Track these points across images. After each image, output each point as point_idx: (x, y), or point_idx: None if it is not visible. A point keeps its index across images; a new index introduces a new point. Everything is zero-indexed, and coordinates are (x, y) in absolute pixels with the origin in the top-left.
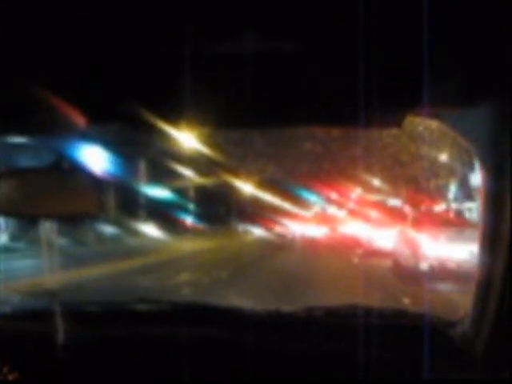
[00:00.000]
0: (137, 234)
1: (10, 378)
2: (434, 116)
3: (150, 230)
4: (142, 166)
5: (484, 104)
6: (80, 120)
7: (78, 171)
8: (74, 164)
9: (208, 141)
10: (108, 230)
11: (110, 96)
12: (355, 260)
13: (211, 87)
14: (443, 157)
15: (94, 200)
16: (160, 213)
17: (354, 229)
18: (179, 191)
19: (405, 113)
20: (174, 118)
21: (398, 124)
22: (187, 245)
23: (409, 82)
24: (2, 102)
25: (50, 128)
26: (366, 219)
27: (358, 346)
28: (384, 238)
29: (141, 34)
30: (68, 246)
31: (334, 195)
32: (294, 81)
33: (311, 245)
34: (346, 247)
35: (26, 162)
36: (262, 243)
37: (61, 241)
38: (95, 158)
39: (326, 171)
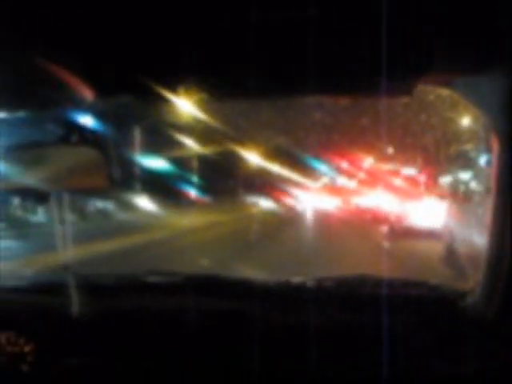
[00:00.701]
0: (133, 208)
1: (26, 349)
2: (446, 84)
3: (147, 203)
4: (138, 134)
5: (497, 72)
6: (87, 93)
7: (87, 144)
8: (83, 137)
9: (213, 110)
10: (100, 203)
11: (116, 68)
12: (385, 243)
13: (217, 57)
14: (465, 120)
15: (104, 174)
16: (160, 185)
17: (373, 200)
18: (180, 162)
19: (415, 81)
20: (180, 89)
21: (409, 92)
22: (187, 220)
23: (419, 49)
24: (9, 77)
25: (58, 102)
26: (391, 189)
27: (368, 316)
28: (421, 212)
29: (144, 5)
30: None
31: (344, 165)
32: (301, 49)
33: (324, 219)
34: (365, 223)
35: (33, 135)
36: (270, 217)
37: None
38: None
39: (336, 141)
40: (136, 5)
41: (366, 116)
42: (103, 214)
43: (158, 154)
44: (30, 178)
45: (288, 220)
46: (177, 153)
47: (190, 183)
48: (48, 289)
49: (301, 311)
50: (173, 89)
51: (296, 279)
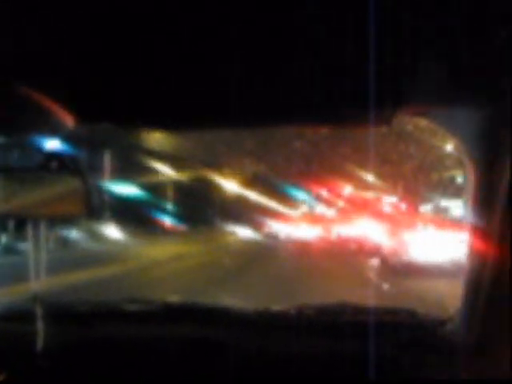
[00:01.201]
0: (99, 237)
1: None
2: (423, 114)
3: (115, 232)
4: (107, 160)
5: (472, 104)
6: (67, 119)
7: (66, 171)
8: (62, 164)
9: (194, 138)
10: (68, 232)
11: (97, 95)
12: (381, 282)
13: (196, 86)
14: (448, 147)
15: (82, 201)
16: (131, 213)
17: (358, 229)
18: (154, 189)
19: (393, 111)
20: (158, 118)
21: (388, 122)
22: (158, 250)
23: (397, 81)
24: None
25: (38, 127)
26: (379, 216)
27: (348, 344)
28: (425, 243)
29: (124, 34)
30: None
31: (324, 193)
32: (281, 81)
33: (305, 250)
34: (351, 255)
35: (13, 161)
36: (248, 247)
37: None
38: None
39: (316, 170)
40: (116, 33)
41: (345, 145)
42: (66, 243)
43: (130, 181)
44: (7, 204)
45: (266, 250)
46: (150, 179)
47: (164, 211)
48: (18, 317)
49: (280, 339)
50: (152, 117)
51: (275, 307)
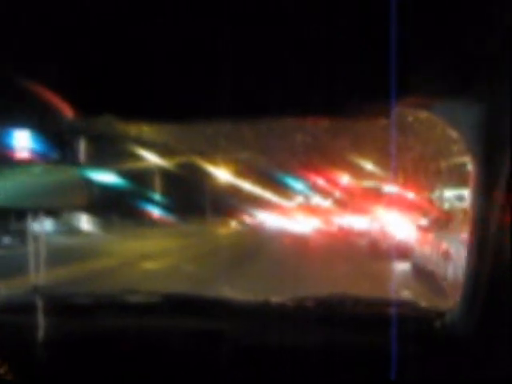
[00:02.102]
0: (75, 230)
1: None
2: (423, 107)
3: (89, 224)
4: (82, 146)
5: (472, 97)
6: (67, 112)
7: (65, 163)
8: (62, 156)
9: (196, 130)
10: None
11: (97, 87)
12: None
13: (194, 76)
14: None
15: (82, 193)
16: (114, 204)
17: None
18: (139, 177)
19: (393, 104)
20: (160, 111)
21: (387, 115)
22: (138, 245)
23: (397, 74)
24: None
25: (38, 120)
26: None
27: (347, 336)
28: None
29: (122, 25)
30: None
31: (321, 182)
32: (281, 72)
33: (301, 246)
34: (361, 253)
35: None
36: (241, 240)
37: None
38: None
39: (316, 162)
40: (115, 25)
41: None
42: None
43: (109, 169)
44: (8, 195)
45: (262, 243)
46: (134, 166)
47: (151, 201)
48: (18, 309)
49: (280, 331)
50: (151, 109)
51: (275, 299)
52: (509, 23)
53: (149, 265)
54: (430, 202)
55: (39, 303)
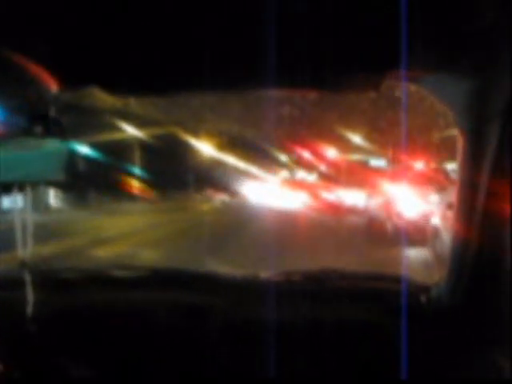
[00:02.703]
0: (43, 205)
1: None
2: (412, 80)
3: (56, 200)
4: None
5: (462, 71)
6: (52, 84)
7: (50, 136)
8: (47, 128)
9: (181, 103)
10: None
11: (82, 59)
12: None
13: (177, 47)
14: None
15: (67, 166)
16: (92, 177)
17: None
18: (118, 150)
19: (382, 76)
20: (145, 83)
21: (376, 88)
22: (99, 225)
23: (385, 45)
24: None
25: (21, 92)
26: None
27: (332, 310)
28: None
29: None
30: None
31: (307, 156)
32: (268, 43)
33: (293, 228)
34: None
35: None
36: (225, 216)
37: None
38: None
39: (303, 135)
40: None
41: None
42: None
43: (83, 140)
44: None
45: (244, 222)
46: (111, 138)
47: (131, 175)
48: (4, 284)
49: (268, 305)
50: (136, 81)
51: (263, 273)
52: (497, 1)
53: (101, 251)
54: (445, 173)
55: (26, 278)
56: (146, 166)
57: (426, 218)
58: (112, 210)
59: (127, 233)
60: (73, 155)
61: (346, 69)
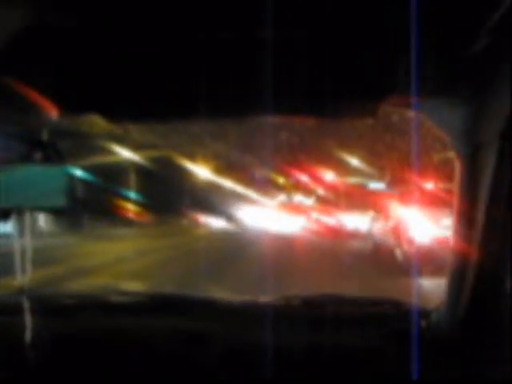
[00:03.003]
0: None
1: None
2: (408, 106)
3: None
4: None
5: (457, 97)
6: (52, 111)
7: (50, 162)
8: (46, 155)
9: (182, 130)
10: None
11: (81, 86)
12: None
13: (176, 75)
14: None
15: (66, 192)
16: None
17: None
18: (113, 174)
19: (380, 102)
20: (144, 111)
21: (373, 114)
22: (85, 252)
23: (382, 72)
24: None
25: (22, 119)
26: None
27: (332, 335)
28: None
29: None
30: None
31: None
32: (267, 71)
33: (292, 254)
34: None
35: None
36: (222, 243)
37: None
38: None
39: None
40: (102, 24)
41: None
42: None
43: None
44: None
45: (245, 247)
46: (106, 162)
47: (127, 200)
48: (3, 310)
49: (268, 330)
50: (135, 109)
51: (262, 299)
52: (493, 26)
53: (76, 284)
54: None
55: (25, 304)
56: (142, 191)
57: (441, 243)
58: (104, 234)
59: (114, 260)
60: (72, 180)
61: (344, 96)
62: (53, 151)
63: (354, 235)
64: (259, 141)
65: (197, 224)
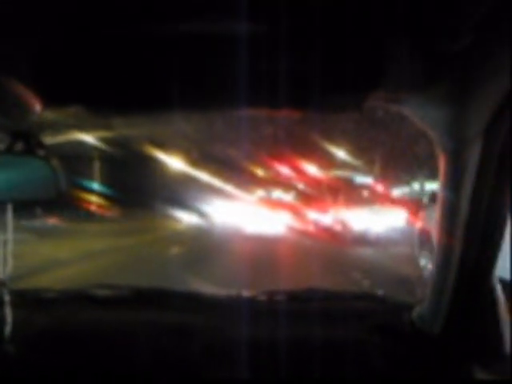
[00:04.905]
0: None
1: None
2: (394, 101)
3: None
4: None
5: (442, 93)
6: (35, 103)
7: (32, 154)
8: (28, 146)
9: (164, 121)
10: None
11: (65, 78)
12: None
13: (157, 67)
14: None
15: (49, 183)
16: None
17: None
18: (74, 164)
19: (364, 97)
20: (127, 103)
21: (358, 109)
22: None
23: (368, 67)
24: None
25: (4, 110)
26: None
27: (316, 329)
28: None
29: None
30: None
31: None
32: (252, 65)
33: (275, 261)
34: None
35: None
36: (195, 241)
37: None
38: None
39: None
40: (85, 15)
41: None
42: None
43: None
44: None
45: (214, 249)
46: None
47: (90, 191)
48: None
49: (252, 325)
50: (121, 100)
51: (246, 293)
52: (478, 23)
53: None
54: None
55: (5, 297)
56: (108, 182)
57: None
58: (55, 230)
59: (40, 265)
60: (56, 173)
61: (329, 90)
62: (35, 143)
63: (364, 240)
64: (242, 133)
65: (167, 219)
